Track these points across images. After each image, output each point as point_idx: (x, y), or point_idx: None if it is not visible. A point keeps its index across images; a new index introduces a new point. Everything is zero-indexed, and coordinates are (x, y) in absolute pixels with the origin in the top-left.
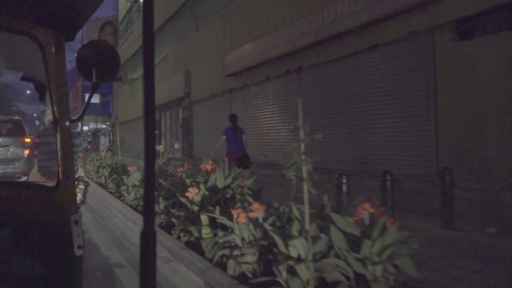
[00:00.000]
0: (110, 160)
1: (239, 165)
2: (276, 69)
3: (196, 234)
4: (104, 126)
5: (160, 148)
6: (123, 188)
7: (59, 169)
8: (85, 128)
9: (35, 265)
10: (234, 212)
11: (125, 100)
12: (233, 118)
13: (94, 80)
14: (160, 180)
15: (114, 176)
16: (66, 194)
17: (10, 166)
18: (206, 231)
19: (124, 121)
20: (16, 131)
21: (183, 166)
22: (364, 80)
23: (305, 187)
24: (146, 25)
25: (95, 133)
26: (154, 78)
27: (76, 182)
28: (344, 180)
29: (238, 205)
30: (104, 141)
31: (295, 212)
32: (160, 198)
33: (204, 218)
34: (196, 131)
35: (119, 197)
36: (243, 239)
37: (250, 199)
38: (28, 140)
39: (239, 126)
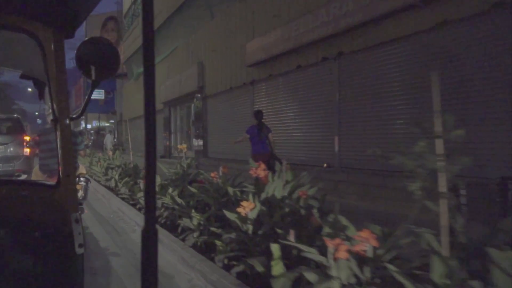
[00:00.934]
0: (119, 161)
1: (268, 169)
2: (310, 56)
3: (260, 268)
4: (107, 124)
5: (183, 148)
6: (139, 194)
7: (59, 167)
8: (88, 126)
9: (36, 264)
10: (330, 244)
11: (131, 96)
12: (259, 115)
13: (93, 77)
14: (190, 187)
15: (126, 179)
16: (67, 193)
17: (10, 164)
18: (278, 267)
19: (129, 118)
20: (15, 129)
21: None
22: (440, 62)
23: (442, 205)
24: (146, 22)
25: (98, 131)
26: (155, 76)
27: (77, 179)
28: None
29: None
30: (110, 140)
31: (434, 244)
32: (193, 210)
33: (275, 248)
34: (211, 128)
35: (134, 205)
36: (343, 286)
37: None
38: (27, 138)
39: (264, 124)
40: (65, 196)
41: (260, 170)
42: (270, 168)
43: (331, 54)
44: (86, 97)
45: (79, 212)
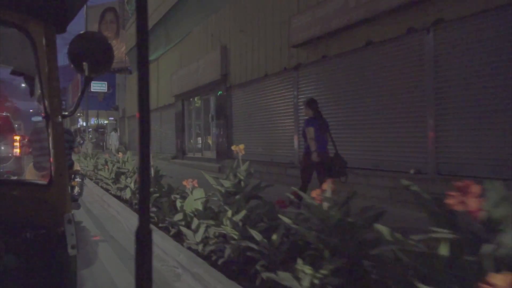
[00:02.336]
0: (132, 164)
1: (329, 174)
2: (388, 27)
3: None
4: (106, 122)
5: (239, 149)
6: (177, 216)
7: (52, 166)
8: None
9: (27, 265)
10: None
11: (135, 90)
12: (314, 104)
13: (86, 73)
14: (281, 216)
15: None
16: (59, 192)
17: None
18: None
19: (133, 114)
20: (4, 128)
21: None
22: None
23: None
24: (140, 16)
25: (97, 129)
26: (149, 72)
27: (72, 176)
28: None
29: None
30: (116, 138)
31: None
32: (300, 261)
33: None
34: (237, 124)
35: (167, 229)
36: None
37: None
38: (17, 137)
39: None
40: (57, 195)
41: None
42: (333, 172)
43: (423, 23)
44: (79, 93)
45: (72, 212)
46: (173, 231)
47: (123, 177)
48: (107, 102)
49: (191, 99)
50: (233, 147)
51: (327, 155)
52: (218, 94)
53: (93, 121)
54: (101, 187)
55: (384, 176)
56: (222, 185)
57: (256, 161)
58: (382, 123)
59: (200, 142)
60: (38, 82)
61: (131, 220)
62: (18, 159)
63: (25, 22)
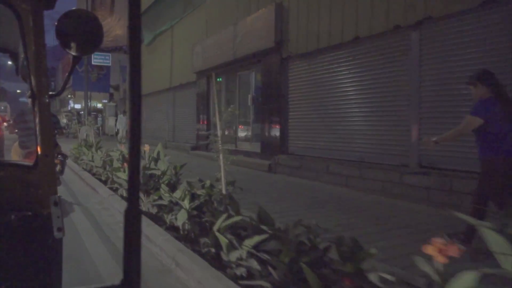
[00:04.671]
0: (166, 163)
1: None
2: None
3: None
4: (99, 105)
5: None
6: None
7: (38, 147)
8: (78, 106)
9: (11, 248)
10: None
11: (147, 64)
12: (490, 78)
13: (74, 52)
14: None
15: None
16: (45, 174)
17: None
18: None
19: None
20: None
21: None
22: None
23: None
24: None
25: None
26: (141, 54)
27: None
28: None
29: None
30: (124, 123)
31: None
32: None
33: None
34: (296, 108)
35: None
36: None
37: None
38: None
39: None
40: (43, 177)
41: None
42: None
43: None
44: (67, 74)
45: (59, 195)
46: None
47: (163, 187)
48: (101, 83)
49: (221, 76)
50: None
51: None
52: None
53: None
54: (120, 195)
55: None
56: None
57: (335, 160)
58: None
59: (234, 130)
60: (24, 60)
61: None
62: None
63: None
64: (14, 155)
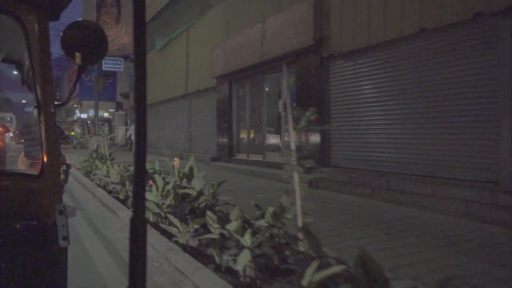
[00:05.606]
0: (202, 182)
1: None
2: None
3: None
4: (106, 114)
5: None
6: None
7: (43, 157)
8: (84, 116)
9: (17, 257)
10: None
11: (153, 73)
12: None
13: (79, 63)
14: None
15: None
16: (50, 183)
17: None
18: None
19: (148, 104)
20: None
21: None
22: None
23: None
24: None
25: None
26: (146, 63)
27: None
28: None
29: None
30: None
31: None
32: None
33: None
34: (338, 114)
35: None
36: None
37: None
38: None
39: None
40: (48, 186)
41: None
42: None
43: None
44: (72, 84)
45: (64, 203)
46: None
47: (210, 215)
48: (107, 92)
49: (246, 80)
50: None
51: None
52: (298, 64)
53: (91, 113)
54: (157, 222)
55: None
56: None
57: (396, 175)
58: None
59: (261, 139)
60: (30, 70)
61: None
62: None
63: (17, 9)
64: (21, 164)
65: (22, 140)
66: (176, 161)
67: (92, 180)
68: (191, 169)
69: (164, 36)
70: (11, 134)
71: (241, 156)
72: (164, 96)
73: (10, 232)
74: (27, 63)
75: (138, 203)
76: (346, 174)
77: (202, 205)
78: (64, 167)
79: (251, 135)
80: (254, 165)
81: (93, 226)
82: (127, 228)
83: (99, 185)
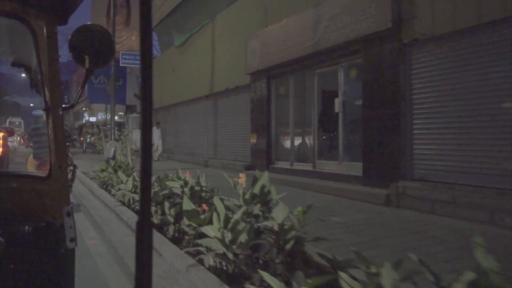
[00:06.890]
0: (285, 210)
1: None
2: None
3: None
4: (116, 117)
5: None
6: None
7: (51, 159)
8: (93, 119)
9: (24, 259)
10: None
11: (169, 73)
12: None
13: (87, 66)
14: None
15: None
16: (58, 185)
17: None
18: None
19: (165, 105)
20: None
21: None
22: None
23: None
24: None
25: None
26: (152, 66)
27: None
28: None
29: None
30: (158, 136)
31: None
32: None
33: None
34: (424, 113)
35: None
36: None
37: None
38: (1, 134)
39: None
40: (56, 188)
41: None
42: None
43: None
44: (80, 87)
45: (71, 205)
46: None
47: (344, 276)
48: (117, 95)
49: (289, 77)
50: None
51: None
52: (367, 53)
53: (100, 116)
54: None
55: None
56: None
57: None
58: None
59: (309, 145)
60: (38, 74)
61: None
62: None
63: (25, 13)
64: (30, 166)
65: (32, 144)
66: (242, 178)
67: (113, 195)
68: (262, 188)
69: (184, 31)
70: (19, 138)
71: (283, 165)
72: (184, 97)
73: (18, 233)
74: (35, 66)
75: (144, 207)
76: (444, 191)
77: (289, 244)
78: (70, 166)
79: (295, 141)
80: (301, 175)
81: (127, 273)
82: (181, 277)
83: (123, 203)
